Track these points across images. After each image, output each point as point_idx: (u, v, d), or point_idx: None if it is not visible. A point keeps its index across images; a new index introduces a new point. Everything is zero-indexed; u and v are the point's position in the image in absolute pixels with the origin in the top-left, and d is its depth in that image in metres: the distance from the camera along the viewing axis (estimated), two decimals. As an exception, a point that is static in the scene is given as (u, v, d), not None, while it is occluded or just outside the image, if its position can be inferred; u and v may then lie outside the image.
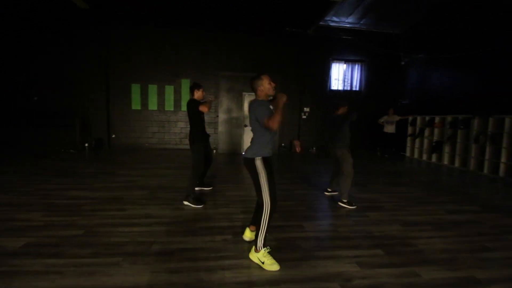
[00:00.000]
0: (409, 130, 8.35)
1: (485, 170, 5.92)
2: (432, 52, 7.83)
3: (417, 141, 8.06)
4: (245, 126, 8.32)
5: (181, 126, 8.50)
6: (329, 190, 4.00)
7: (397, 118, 8.16)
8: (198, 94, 3.58)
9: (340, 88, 9.33)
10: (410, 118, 8.32)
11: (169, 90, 8.37)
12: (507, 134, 5.52)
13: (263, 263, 2.04)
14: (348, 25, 8.66)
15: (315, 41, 8.68)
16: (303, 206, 3.49)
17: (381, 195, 4.06)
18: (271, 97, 2.25)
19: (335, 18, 8.36)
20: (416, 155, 8.08)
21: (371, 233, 2.73)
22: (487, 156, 5.92)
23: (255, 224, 2.26)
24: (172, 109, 8.42)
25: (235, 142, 8.42)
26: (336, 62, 9.19)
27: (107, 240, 2.39)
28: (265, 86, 2.14)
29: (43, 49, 7.80)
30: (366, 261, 2.17)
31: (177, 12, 7.42)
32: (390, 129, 8.26)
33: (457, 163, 6.69)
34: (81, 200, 3.41)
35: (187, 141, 8.29)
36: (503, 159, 5.58)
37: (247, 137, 8.25)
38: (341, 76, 9.30)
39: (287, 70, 8.71)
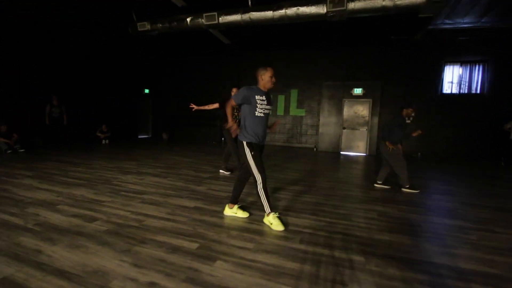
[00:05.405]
0: (548, 137, 7.02)
1: None
2: None
3: (560, 150, 6.72)
4: (344, 128, 9.24)
5: (288, 127, 10.30)
6: (379, 182, 4.30)
7: (528, 123, 7.06)
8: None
9: (455, 91, 8.76)
10: (549, 124, 7.00)
11: (281, 98, 10.36)
12: None
13: (271, 224, 2.37)
14: (465, 25, 8.16)
15: (424, 45, 8.62)
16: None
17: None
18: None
19: (447, 21, 8.11)
20: (557, 168, 6.74)
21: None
22: None
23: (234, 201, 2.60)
24: (282, 114, 10.36)
25: (335, 142, 9.46)
26: (449, 65, 8.75)
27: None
28: (266, 77, 2.25)
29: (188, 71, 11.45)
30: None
31: (287, 39, 9.29)
32: (518, 136, 7.22)
33: None
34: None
35: (294, 138, 9.98)
36: None
37: (345, 138, 9.18)
38: (456, 79, 8.74)
39: (389, 76, 9.01)
